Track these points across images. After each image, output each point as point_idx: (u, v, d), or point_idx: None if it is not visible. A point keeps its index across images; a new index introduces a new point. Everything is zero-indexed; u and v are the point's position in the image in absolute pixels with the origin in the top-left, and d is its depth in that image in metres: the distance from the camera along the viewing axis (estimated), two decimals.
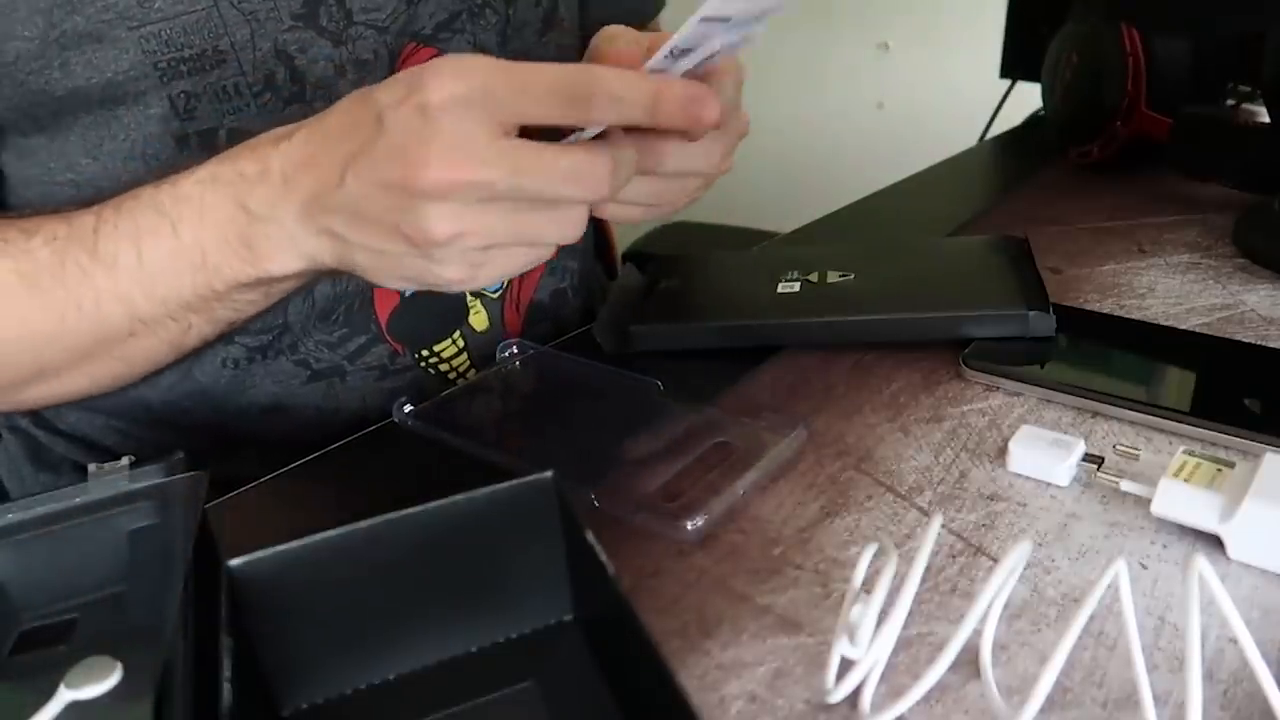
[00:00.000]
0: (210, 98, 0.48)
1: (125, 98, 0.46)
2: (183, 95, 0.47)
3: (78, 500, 0.34)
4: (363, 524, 0.30)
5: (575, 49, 0.65)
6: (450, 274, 0.39)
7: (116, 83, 0.46)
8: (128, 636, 0.30)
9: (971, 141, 1.00)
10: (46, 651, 0.32)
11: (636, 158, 0.39)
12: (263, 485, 0.45)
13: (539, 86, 0.36)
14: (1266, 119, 0.67)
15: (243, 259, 0.42)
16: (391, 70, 0.53)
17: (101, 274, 0.43)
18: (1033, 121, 1.00)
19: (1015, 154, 0.95)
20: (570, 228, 0.39)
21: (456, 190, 0.36)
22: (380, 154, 0.37)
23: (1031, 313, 0.50)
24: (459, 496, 0.31)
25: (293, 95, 0.50)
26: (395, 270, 0.40)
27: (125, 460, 0.36)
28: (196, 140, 0.48)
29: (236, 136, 0.48)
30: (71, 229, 0.44)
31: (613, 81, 0.36)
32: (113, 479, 0.35)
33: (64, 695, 0.27)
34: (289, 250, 0.41)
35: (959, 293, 0.53)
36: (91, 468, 0.36)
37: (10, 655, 0.31)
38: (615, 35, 0.48)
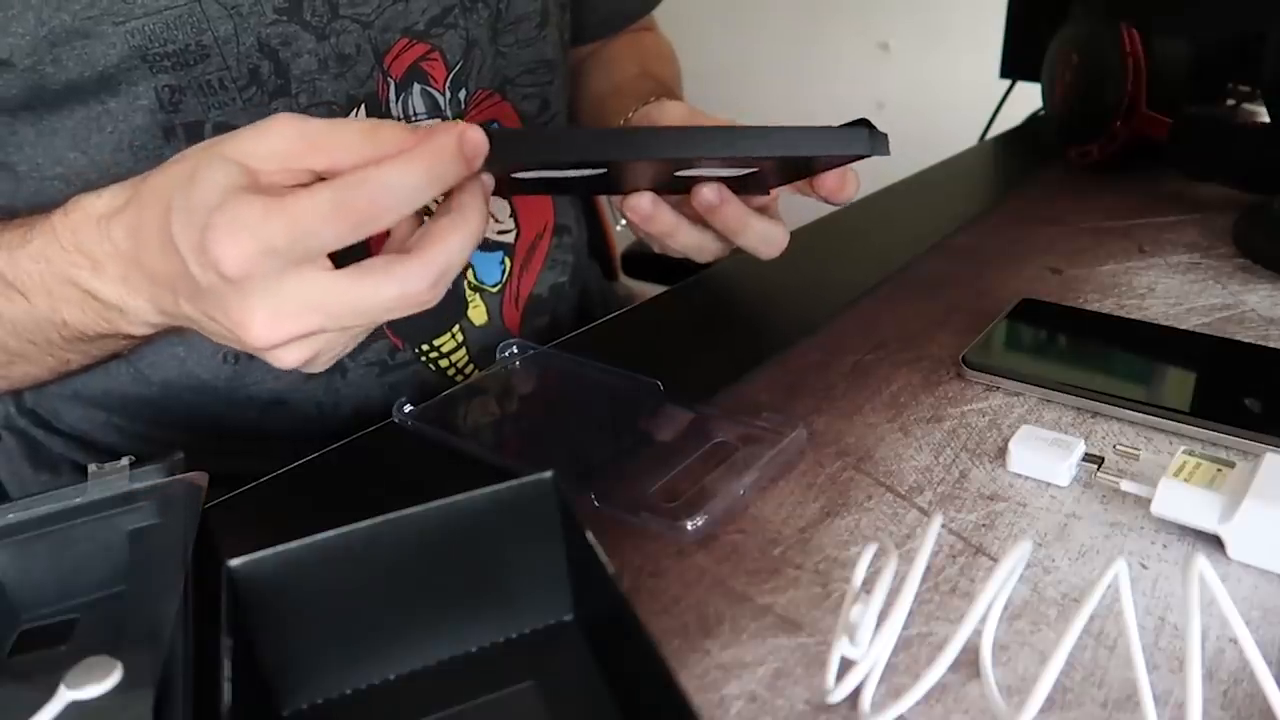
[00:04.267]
0: (195, 91, 0.48)
1: (117, 90, 0.47)
2: (167, 89, 0.47)
3: (78, 500, 0.34)
4: (363, 524, 0.30)
5: (564, 44, 0.65)
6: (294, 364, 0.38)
7: (108, 75, 0.46)
8: (128, 636, 0.30)
9: (971, 141, 1.00)
10: (46, 651, 0.32)
11: (467, 248, 0.37)
12: (263, 485, 0.45)
13: (314, 220, 0.33)
14: (1266, 119, 0.67)
15: (103, 326, 0.43)
16: (377, 65, 0.53)
17: None
18: (1033, 121, 1.00)
19: (1015, 154, 0.95)
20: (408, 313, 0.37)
21: (288, 340, 0.36)
22: (209, 304, 0.36)
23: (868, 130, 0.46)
24: (459, 496, 0.31)
25: (278, 89, 0.50)
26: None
27: (125, 460, 0.36)
28: (183, 133, 0.49)
29: (223, 130, 0.49)
30: None
31: (386, 179, 0.33)
32: (113, 479, 0.35)
33: (64, 695, 0.27)
34: (145, 327, 0.43)
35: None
36: (91, 468, 0.36)
37: (10, 655, 0.31)
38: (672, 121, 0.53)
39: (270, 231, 0.33)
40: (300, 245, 0.33)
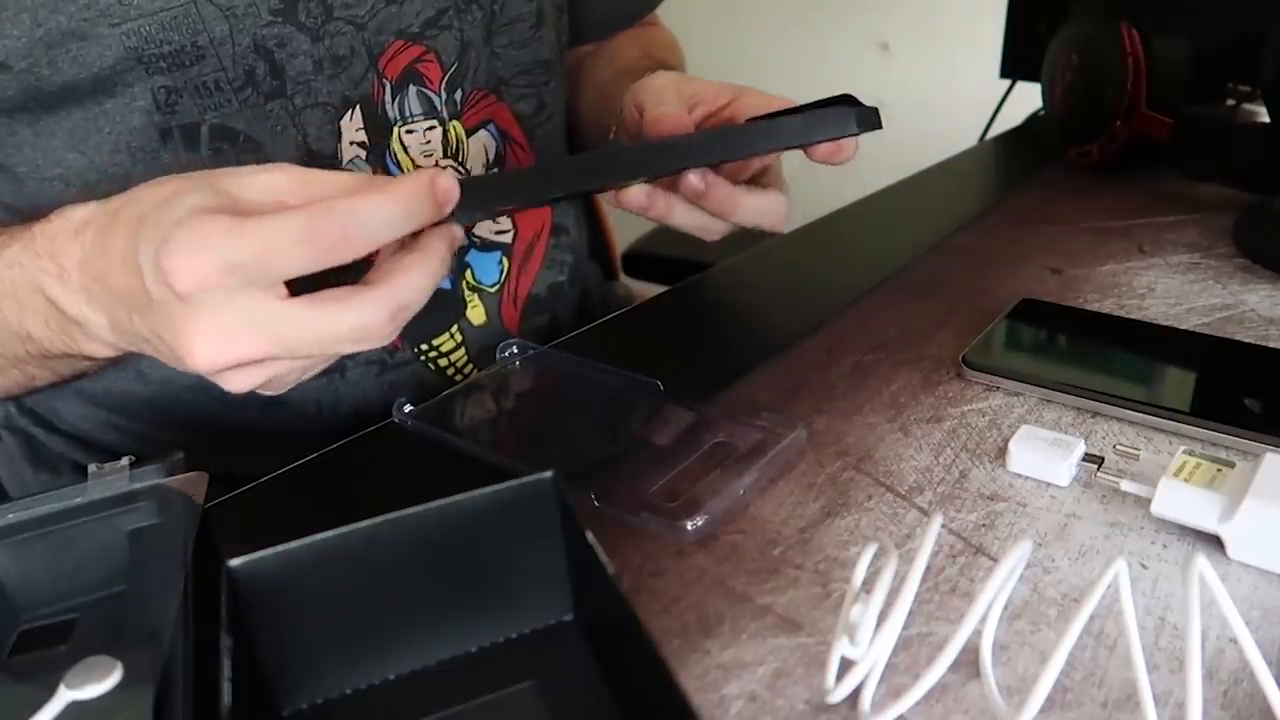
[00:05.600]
0: (191, 93, 0.48)
1: (113, 91, 0.47)
2: (163, 90, 0.47)
3: (78, 500, 0.34)
4: (363, 524, 0.30)
5: (561, 44, 0.65)
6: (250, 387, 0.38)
7: (104, 77, 0.46)
8: (128, 636, 0.30)
9: (971, 141, 1.00)
10: (46, 651, 0.32)
11: (428, 288, 0.37)
12: (263, 485, 0.45)
13: (282, 242, 0.33)
14: (1266, 119, 0.67)
15: (64, 343, 0.42)
16: (371, 66, 0.53)
17: None
18: (1033, 121, 1.00)
19: (1015, 154, 0.95)
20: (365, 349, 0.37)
21: (234, 365, 0.35)
22: (158, 321, 0.35)
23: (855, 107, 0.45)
24: (459, 496, 0.31)
25: (274, 90, 0.50)
26: None
27: (125, 460, 0.36)
28: (180, 134, 0.49)
29: (219, 131, 0.49)
30: None
31: (358, 209, 0.33)
32: (113, 479, 0.35)
33: (64, 695, 0.27)
34: (103, 347, 0.42)
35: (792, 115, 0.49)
36: (91, 468, 0.36)
37: (10, 655, 0.31)
38: (659, 95, 0.50)
39: (233, 248, 0.32)
40: (265, 266, 0.33)
